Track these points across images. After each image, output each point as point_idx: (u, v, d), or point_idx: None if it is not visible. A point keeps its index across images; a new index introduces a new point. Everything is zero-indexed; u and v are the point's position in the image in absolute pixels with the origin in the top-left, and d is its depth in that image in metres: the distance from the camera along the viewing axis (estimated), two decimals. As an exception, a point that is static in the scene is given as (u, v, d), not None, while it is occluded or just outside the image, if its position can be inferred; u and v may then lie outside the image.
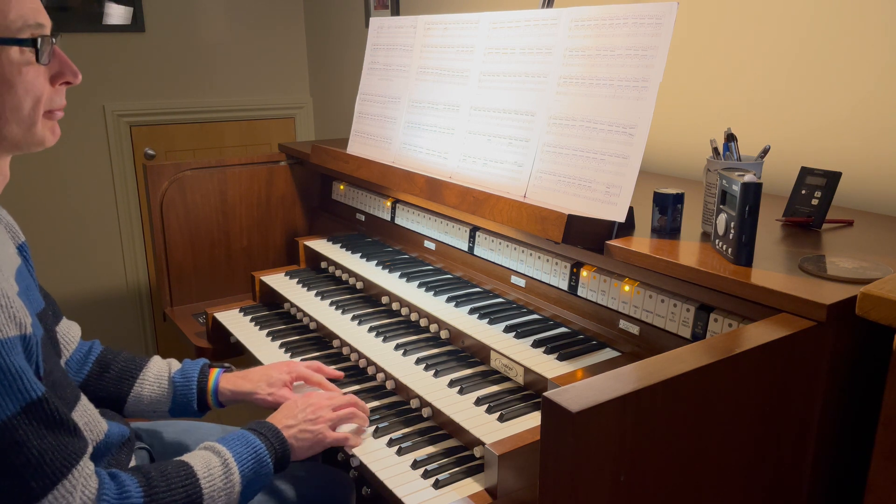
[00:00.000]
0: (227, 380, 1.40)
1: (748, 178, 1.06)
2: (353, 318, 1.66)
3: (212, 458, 1.10)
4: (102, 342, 1.42)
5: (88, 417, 1.12)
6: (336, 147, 2.04)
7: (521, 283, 1.56)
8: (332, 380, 1.46)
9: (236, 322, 1.83)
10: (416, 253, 1.90)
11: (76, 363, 1.34)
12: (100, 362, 1.36)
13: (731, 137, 1.28)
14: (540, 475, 0.77)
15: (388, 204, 1.98)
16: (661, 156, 1.91)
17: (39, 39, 1.01)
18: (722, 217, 1.13)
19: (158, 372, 1.39)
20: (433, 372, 1.39)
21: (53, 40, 1.04)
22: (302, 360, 1.55)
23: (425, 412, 1.34)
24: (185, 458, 1.10)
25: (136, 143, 3.25)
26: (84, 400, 1.13)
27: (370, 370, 1.49)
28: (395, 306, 1.68)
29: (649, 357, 0.84)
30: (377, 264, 1.84)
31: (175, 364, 1.42)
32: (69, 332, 1.34)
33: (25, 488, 0.89)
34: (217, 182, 2.18)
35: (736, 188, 1.07)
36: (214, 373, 1.41)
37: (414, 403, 1.36)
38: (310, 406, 1.27)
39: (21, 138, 1.04)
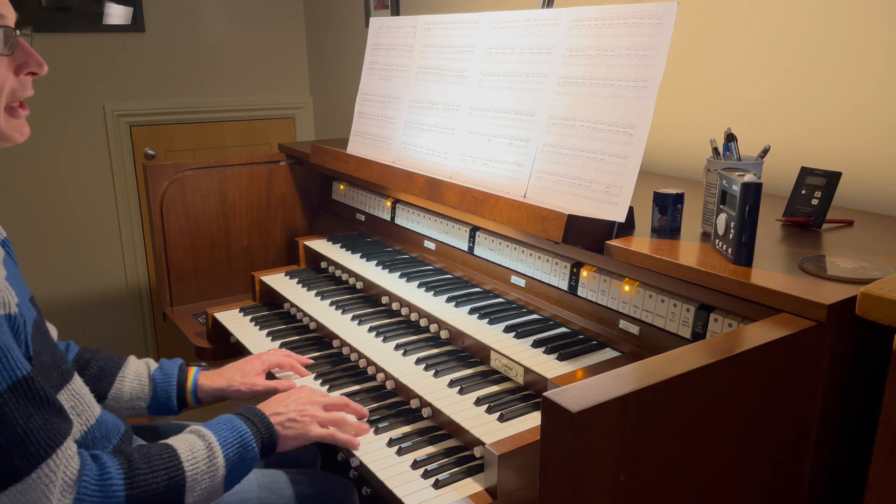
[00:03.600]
0: (205, 377, 1.44)
1: (748, 178, 1.06)
2: (353, 318, 1.66)
3: (196, 442, 1.11)
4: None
5: (77, 401, 1.12)
6: (336, 147, 2.04)
7: (521, 283, 1.56)
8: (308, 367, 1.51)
9: (236, 322, 1.83)
10: (416, 253, 1.90)
11: None
12: (78, 361, 1.37)
13: (731, 137, 1.28)
14: (540, 475, 0.77)
15: (388, 204, 1.98)
16: (661, 156, 1.91)
17: (0, 30, 1.01)
18: (722, 217, 1.13)
19: (137, 370, 1.41)
20: (433, 372, 1.39)
21: (17, 32, 1.04)
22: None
23: (425, 412, 1.34)
24: (170, 441, 1.10)
25: (136, 143, 3.25)
26: (76, 382, 1.13)
27: (370, 370, 1.49)
28: (395, 306, 1.68)
29: (649, 357, 0.84)
30: (377, 264, 1.84)
31: (152, 363, 1.45)
32: None
33: (9, 466, 0.89)
34: (217, 182, 2.18)
35: (736, 188, 1.07)
36: (193, 371, 1.45)
37: (414, 403, 1.36)
38: (301, 398, 1.28)
39: None
